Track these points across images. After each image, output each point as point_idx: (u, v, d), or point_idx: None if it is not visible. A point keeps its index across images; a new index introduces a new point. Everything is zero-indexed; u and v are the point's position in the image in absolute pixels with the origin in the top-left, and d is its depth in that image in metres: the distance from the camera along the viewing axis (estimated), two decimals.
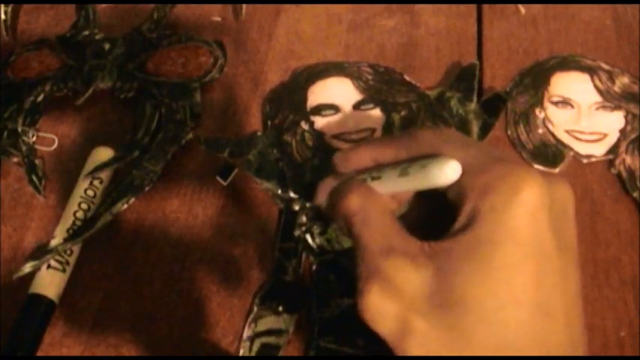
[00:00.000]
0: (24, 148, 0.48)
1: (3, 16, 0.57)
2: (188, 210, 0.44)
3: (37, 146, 0.49)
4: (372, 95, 0.48)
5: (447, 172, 0.24)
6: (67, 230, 0.42)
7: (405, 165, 0.26)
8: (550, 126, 0.46)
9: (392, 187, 0.27)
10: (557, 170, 0.44)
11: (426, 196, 0.27)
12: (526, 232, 0.23)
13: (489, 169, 0.24)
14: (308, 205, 0.43)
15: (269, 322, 0.39)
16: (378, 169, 0.27)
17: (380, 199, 0.26)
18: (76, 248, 0.43)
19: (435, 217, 0.26)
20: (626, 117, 0.46)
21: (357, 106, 0.48)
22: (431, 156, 0.25)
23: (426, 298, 0.23)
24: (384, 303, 0.23)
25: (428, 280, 0.23)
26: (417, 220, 0.27)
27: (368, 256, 0.24)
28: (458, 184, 0.24)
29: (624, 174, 0.44)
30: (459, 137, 0.27)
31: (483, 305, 0.22)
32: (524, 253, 0.23)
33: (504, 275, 0.22)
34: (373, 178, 0.27)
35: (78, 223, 0.43)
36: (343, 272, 0.40)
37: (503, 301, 0.22)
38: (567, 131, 0.46)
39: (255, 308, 0.39)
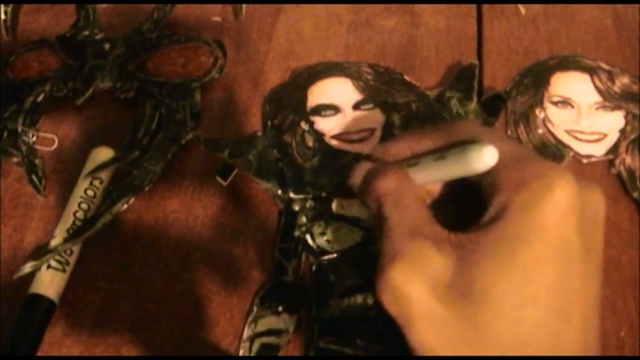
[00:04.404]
0: (24, 148, 0.48)
1: (3, 16, 0.57)
2: (188, 210, 0.44)
3: (37, 146, 0.49)
4: (371, 95, 0.48)
5: (485, 157, 0.24)
6: (67, 230, 0.43)
7: (443, 151, 0.26)
8: (550, 126, 0.46)
9: (428, 174, 0.27)
10: None
11: (455, 191, 0.27)
12: (553, 232, 0.23)
13: (525, 165, 0.24)
14: (308, 205, 0.43)
15: (269, 322, 0.39)
16: (415, 158, 0.28)
17: (414, 185, 0.27)
18: (76, 248, 0.43)
19: (462, 213, 0.26)
20: (626, 117, 0.46)
21: (356, 107, 0.48)
22: (468, 143, 0.25)
23: (447, 285, 0.23)
24: (404, 283, 0.23)
25: (451, 268, 0.23)
26: (445, 214, 0.27)
27: (395, 236, 0.25)
28: (492, 175, 0.24)
29: (624, 174, 0.44)
30: (496, 132, 0.27)
31: (503, 300, 0.22)
32: (550, 253, 0.23)
33: (528, 273, 0.22)
34: (410, 165, 0.27)
35: (78, 223, 0.43)
36: (343, 272, 0.40)
37: (523, 298, 0.22)
38: (567, 131, 0.46)
39: (255, 308, 0.39)
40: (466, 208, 0.26)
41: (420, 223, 0.25)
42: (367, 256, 0.41)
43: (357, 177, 0.29)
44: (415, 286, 0.23)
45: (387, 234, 0.25)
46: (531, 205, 0.23)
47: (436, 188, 0.28)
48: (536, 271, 0.22)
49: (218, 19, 0.56)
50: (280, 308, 0.39)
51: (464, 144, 0.25)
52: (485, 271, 0.23)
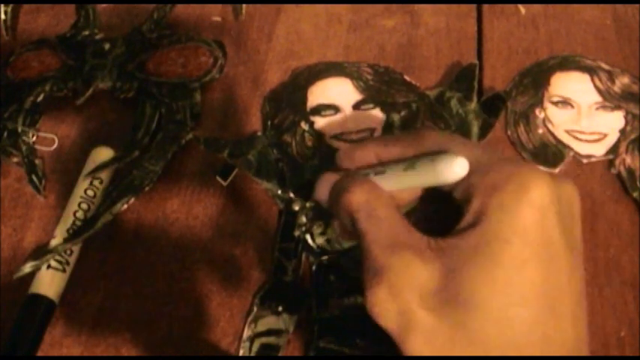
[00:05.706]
0: (24, 148, 0.48)
1: (3, 16, 0.57)
2: (188, 210, 0.44)
3: (37, 146, 0.49)
4: (371, 95, 0.48)
5: (455, 169, 0.24)
6: (67, 230, 0.43)
7: (411, 160, 0.26)
8: (550, 126, 0.46)
9: (395, 183, 0.26)
10: (557, 170, 0.44)
11: (429, 196, 0.27)
12: (534, 230, 0.23)
13: (497, 168, 0.24)
14: (308, 205, 0.43)
15: (269, 322, 0.39)
16: (381, 165, 0.27)
17: (384, 194, 0.26)
18: (76, 248, 0.43)
19: (438, 216, 0.26)
20: (626, 117, 0.46)
21: (356, 106, 0.48)
22: (437, 153, 0.25)
23: (434, 293, 0.23)
24: (393, 298, 0.23)
25: (435, 276, 0.23)
26: (420, 220, 0.27)
27: (375, 251, 0.24)
28: (465, 182, 0.24)
29: (624, 174, 0.44)
30: (463, 139, 0.27)
31: (490, 303, 0.22)
32: (533, 252, 0.22)
33: (512, 273, 0.22)
34: (376, 173, 0.27)
35: (78, 223, 0.43)
36: (343, 272, 0.40)
37: (510, 299, 0.22)
38: (567, 131, 0.46)
39: (255, 308, 0.39)
40: (441, 212, 0.26)
41: (398, 233, 0.24)
42: None
43: (321, 192, 0.28)
44: (403, 300, 0.23)
45: (367, 249, 0.24)
46: (508, 207, 0.23)
47: (408, 194, 0.27)
48: (519, 270, 0.22)
49: (218, 19, 0.56)
50: (280, 308, 0.39)
51: (433, 154, 0.25)
52: (470, 276, 0.22)
